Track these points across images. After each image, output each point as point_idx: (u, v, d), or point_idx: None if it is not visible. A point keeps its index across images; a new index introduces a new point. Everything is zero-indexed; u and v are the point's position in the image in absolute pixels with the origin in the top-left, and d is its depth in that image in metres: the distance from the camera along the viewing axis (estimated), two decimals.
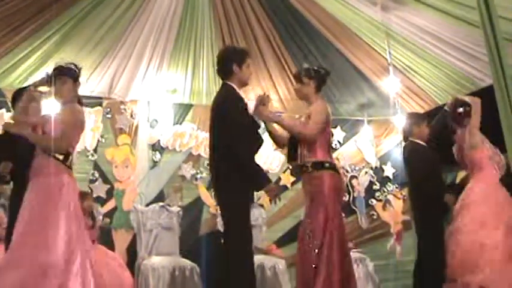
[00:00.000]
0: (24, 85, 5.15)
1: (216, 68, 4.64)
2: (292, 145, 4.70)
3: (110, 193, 7.51)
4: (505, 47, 3.36)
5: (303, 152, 4.59)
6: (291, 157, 4.74)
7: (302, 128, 4.59)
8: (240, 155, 4.15)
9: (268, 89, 8.18)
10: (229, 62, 4.45)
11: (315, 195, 4.50)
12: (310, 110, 4.65)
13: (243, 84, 4.53)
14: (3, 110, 7.10)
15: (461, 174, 6.93)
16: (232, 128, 4.18)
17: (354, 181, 8.81)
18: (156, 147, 7.92)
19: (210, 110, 4.47)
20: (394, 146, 8.96)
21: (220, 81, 7.84)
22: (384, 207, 8.81)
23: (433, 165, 5.68)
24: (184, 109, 8.20)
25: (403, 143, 6.13)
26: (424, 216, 5.60)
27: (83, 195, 6.51)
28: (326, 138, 4.65)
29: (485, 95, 6.40)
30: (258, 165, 4.36)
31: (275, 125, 4.82)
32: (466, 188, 5.49)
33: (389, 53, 7.16)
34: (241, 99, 4.40)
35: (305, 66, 4.87)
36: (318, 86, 4.75)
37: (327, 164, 4.51)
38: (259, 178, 4.28)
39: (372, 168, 8.94)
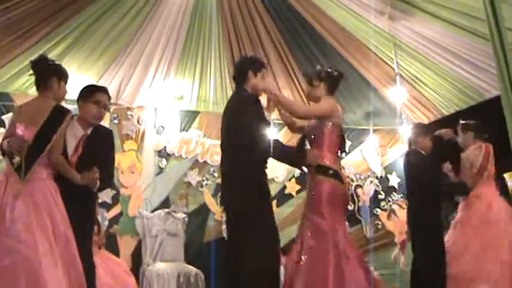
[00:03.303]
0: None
1: (234, 73, 4.83)
2: (303, 141, 4.73)
3: (115, 199, 7.54)
4: None
5: (312, 151, 4.55)
6: (299, 150, 4.74)
7: (296, 107, 4.71)
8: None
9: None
10: (246, 68, 4.60)
11: (312, 200, 4.44)
12: None
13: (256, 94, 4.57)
14: (11, 114, 7.13)
15: None
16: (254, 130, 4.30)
17: (359, 190, 8.83)
18: (162, 153, 7.96)
19: (227, 114, 4.58)
20: (399, 156, 8.95)
21: (225, 88, 7.94)
22: (388, 217, 8.81)
23: (430, 174, 5.70)
24: (191, 116, 8.24)
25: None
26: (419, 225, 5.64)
27: None
28: (334, 142, 4.56)
29: (492, 106, 6.45)
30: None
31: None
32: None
33: (397, 62, 7.17)
34: (260, 102, 4.51)
35: (317, 68, 4.83)
36: (329, 89, 4.66)
37: (331, 171, 4.41)
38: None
39: (377, 178, 8.95)
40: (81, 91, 4.55)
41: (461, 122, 6.11)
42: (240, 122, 4.33)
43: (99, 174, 4.19)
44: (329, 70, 4.73)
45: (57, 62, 4.41)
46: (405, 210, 8.51)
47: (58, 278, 3.66)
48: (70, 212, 3.98)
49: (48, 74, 4.19)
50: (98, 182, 4.23)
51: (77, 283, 3.81)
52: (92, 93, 4.49)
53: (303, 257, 4.20)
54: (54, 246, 3.74)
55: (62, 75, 4.28)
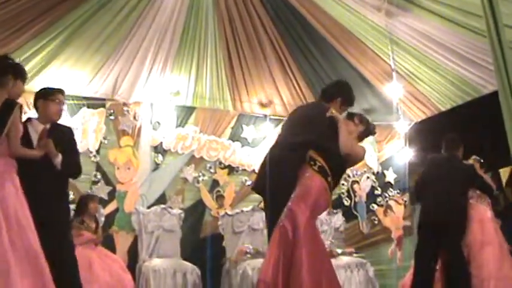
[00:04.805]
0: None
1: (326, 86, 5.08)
2: None
3: (112, 195, 7.52)
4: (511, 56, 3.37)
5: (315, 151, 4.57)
6: None
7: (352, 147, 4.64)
8: None
9: (271, 94, 8.20)
10: (337, 95, 4.80)
11: (303, 191, 4.39)
12: None
13: None
14: None
15: None
16: None
17: (355, 186, 8.83)
18: (158, 149, 7.93)
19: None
20: (396, 152, 8.97)
21: (221, 84, 7.91)
22: (385, 213, 8.82)
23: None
24: (187, 112, 8.22)
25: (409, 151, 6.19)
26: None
27: (89, 198, 6.56)
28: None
29: (488, 101, 6.46)
30: None
31: None
32: None
33: (393, 58, 7.16)
34: None
35: (361, 113, 5.12)
36: (362, 133, 4.88)
37: (329, 178, 4.45)
38: None
39: (373, 174, 8.95)
40: (41, 92, 4.75)
41: (477, 158, 6.64)
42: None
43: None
44: (370, 120, 5.06)
45: (17, 62, 4.51)
46: (402, 206, 8.61)
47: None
48: (43, 208, 4.09)
49: (4, 71, 4.22)
50: (59, 155, 4.43)
51: (35, 272, 3.78)
52: (52, 93, 4.73)
53: None
54: (4, 235, 3.70)
55: (18, 74, 4.30)
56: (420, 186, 6.33)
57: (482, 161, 6.58)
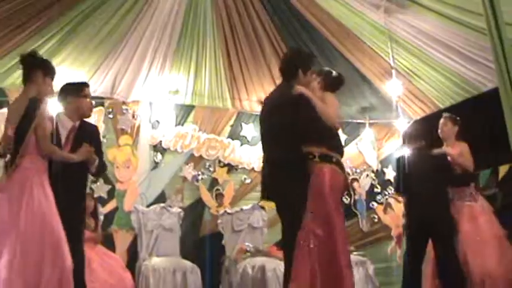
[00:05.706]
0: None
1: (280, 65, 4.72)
2: None
3: (111, 193, 7.53)
4: None
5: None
6: None
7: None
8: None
9: (270, 91, 8.17)
10: (296, 65, 4.50)
11: (317, 187, 4.31)
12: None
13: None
14: (5, 110, 7.09)
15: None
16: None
17: (355, 184, 8.82)
18: (157, 148, 7.94)
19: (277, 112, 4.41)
20: (395, 150, 8.95)
21: (220, 82, 7.90)
22: (384, 211, 8.82)
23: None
24: (186, 110, 8.22)
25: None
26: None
27: None
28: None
29: (487, 99, 6.46)
30: None
31: None
32: None
33: (393, 56, 7.15)
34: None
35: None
36: (324, 83, 4.67)
37: (334, 159, 4.39)
38: None
39: (373, 171, 8.95)
40: (71, 88, 4.68)
41: (450, 114, 6.19)
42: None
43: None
44: (327, 69, 4.86)
45: (46, 59, 4.44)
46: (401, 204, 8.56)
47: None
48: (73, 207, 4.23)
49: (34, 67, 4.19)
50: (96, 158, 4.48)
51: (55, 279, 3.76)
52: (82, 88, 4.69)
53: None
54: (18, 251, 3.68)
55: (48, 71, 4.26)
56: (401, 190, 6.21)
57: (457, 118, 6.11)
